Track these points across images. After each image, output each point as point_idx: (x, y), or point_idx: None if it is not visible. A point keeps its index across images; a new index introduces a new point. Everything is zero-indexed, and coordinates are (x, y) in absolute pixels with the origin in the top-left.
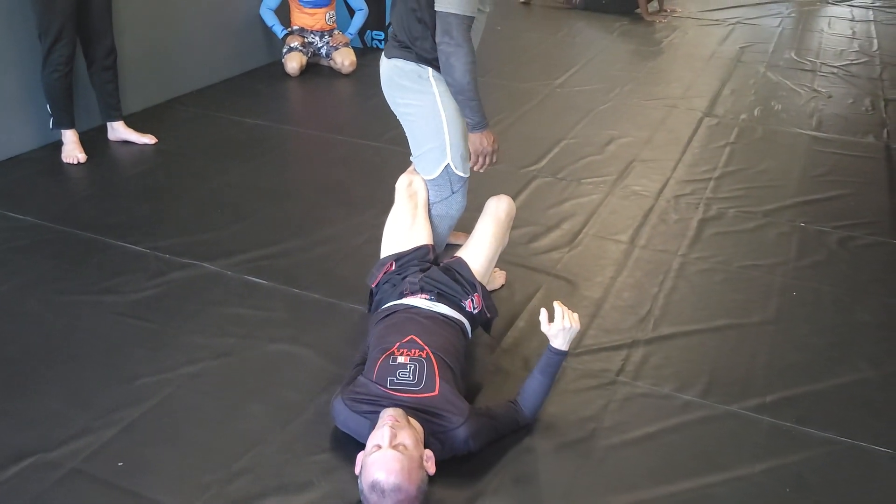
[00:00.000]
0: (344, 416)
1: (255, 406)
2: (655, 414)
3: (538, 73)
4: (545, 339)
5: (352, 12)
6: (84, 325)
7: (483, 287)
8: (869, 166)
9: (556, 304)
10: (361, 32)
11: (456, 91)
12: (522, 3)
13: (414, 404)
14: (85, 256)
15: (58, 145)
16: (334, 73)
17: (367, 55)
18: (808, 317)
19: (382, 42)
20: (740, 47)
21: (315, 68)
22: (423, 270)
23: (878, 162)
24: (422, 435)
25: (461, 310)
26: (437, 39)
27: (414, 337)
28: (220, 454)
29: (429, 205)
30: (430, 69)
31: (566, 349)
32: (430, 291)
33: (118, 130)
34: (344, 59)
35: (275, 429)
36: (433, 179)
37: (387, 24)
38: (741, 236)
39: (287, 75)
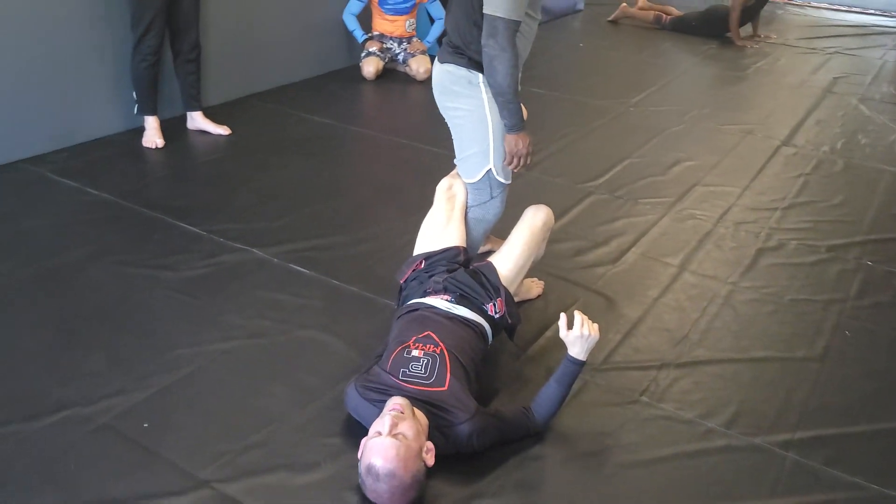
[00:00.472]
0: (355, 402)
1: (278, 387)
2: (674, 438)
3: (615, 91)
4: None
5: (433, 21)
6: (136, 296)
7: (507, 292)
8: None
9: (576, 312)
10: (440, 41)
11: (496, 93)
12: (610, 21)
13: (422, 397)
14: (148, 233)
15: (140, 130)
16: (409, 79)
17: None
18: (858, 358)
19: None
20: (834, 77)
21: (391, 73)
22: (450, 271)
23: None
24: (426, 427)
25: (483, 313)
26: (483, 42)
27: (431, 333)
28: (238, 427)
29: (466, 208)
30: (480, 75)
31: (583, 359)
32: (453, 293)
33: (196, 120)
34: (419, 66)
35: (293, 410)
36: (474, 183)
37: None
38: (799, 269)
39: (363, 79)
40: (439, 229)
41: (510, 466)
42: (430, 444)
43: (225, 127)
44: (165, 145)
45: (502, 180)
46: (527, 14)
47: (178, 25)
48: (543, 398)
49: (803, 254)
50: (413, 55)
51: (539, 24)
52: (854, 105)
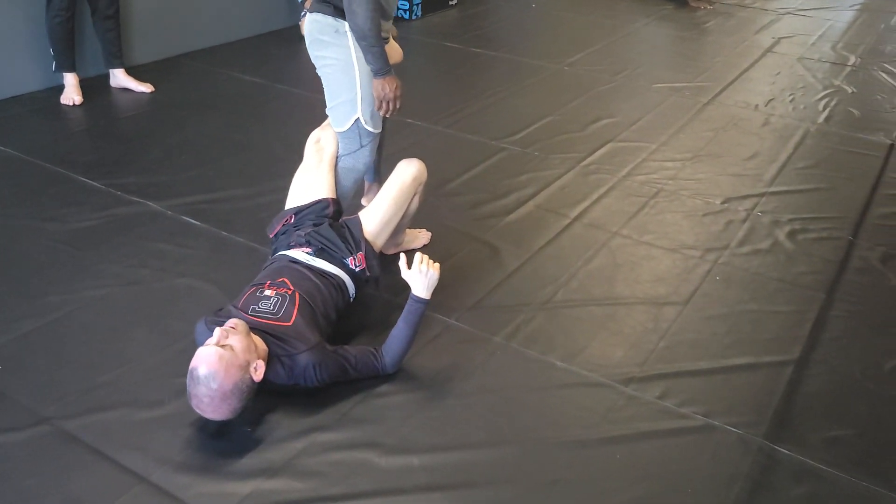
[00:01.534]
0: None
1: (140, 331)
2: (520, 375)
3: (554, 51)
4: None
5: None
6: (18, 246)
7: (369, 246)
8: (863, 163)
9: (418, 253)
10: None
11: (358, 37)
12: None
13: (265, 328)
14: (45, 187)
15: (61, 88)
16: None
17: (396, 24)
18: (720, 301)
19: (407, 12)
20: (778, 37)
21: None
22: (316, 225)
23: (875, 160)
24: (263, 351)
25: (343, 266)
26: None
27: (286, 279)
28: (91, 369)
29: (336, 158)
30: (346, 23)
31: (426, 297)
32: (314, 246)
33: (119, 78)
34: None
35: (150, 352)
36: (344, 132)
37: None
38: (687, 219)
39: (303, 38)
40: (308, 182)
41: (353, 402)
42: (260, 363)
43: (148, 85)
44: (84, 102)
45: (370, 129)
46: None
47: None
48: (391, 338)
49: (696, 206)
50: None
51: None
52: (790, 64)
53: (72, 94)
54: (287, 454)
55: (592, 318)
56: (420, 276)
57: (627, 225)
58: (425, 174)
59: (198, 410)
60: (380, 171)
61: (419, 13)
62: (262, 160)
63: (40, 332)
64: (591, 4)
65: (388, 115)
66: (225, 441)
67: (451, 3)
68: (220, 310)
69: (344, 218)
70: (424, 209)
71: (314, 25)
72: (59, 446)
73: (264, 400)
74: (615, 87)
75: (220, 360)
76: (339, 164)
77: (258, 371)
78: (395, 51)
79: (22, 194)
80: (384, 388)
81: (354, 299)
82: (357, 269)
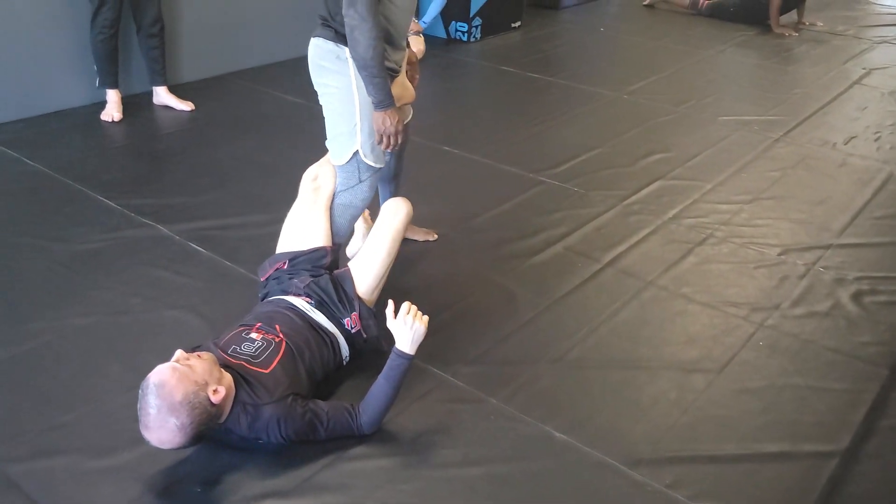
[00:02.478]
0: None
1: (115, 367)
2: (509, 442)
3: (615, 77)
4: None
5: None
6: (18, 266)
7: (363, 305)
8: None
9: (406, 303)
10: (446, 23)
11: (359, 66)
12: (646, 5)
13: (240, 370)
14: (62, 205)
15: (105, 104)
16: None
17: (451, 47)
18: (761, 369)
19: (465, 34)
20: (868, 68)
21: None
22: (314, 276)
23: None
24: (228, 386)
25: (340, 326)
26: (344, 12)
27: (278, 326)
28: (52, 406)
29: (333, 195)
30: (347, 49)
31: (411, 352)
32: (313, 298)
33: (161, 95)
34: (412, 47)
35: (118, 391)
36: (342, 166)
37: (471, 14)
38: (735, 271)
39: None
40: (303, 224)
41: (319, 465)
42: (221, 388)
43: (189, 103)
44: (124, 119)
45: (370, 163)
46: None
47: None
48: (370, 395)
49: (748, 256)
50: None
51: (571, 7)
52: (879, 99)
53: (112, 110)
54: None
55: (606, 383)
56: (405, 329)
57: (665, 274)
58: (411, 212)
59: (145, 433)
60: None
61: (478, 35)
62: (284, 185)
63: (13, 360)
64: (664, 29)
65: (389, 150)
66: (171, 501)
67: (513, 25)
68: (198, 347)
69: (336, 272)
70: (443, 245)
71: (316, 50)
72: None
73: (221, 456)
74: (676, 119)
75: (174, 372)
76: (336, 199)
77: (217, 394)
78: (406, 90)
79: (37, 212)
80: (357, 450)
81: (350, 361)
82: (353, 331)
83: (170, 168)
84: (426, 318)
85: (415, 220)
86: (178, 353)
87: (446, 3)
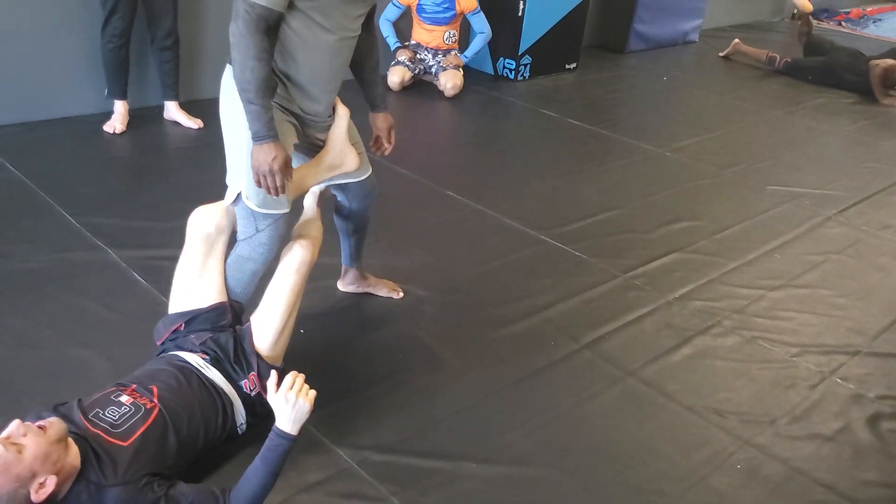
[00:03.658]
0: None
1: None
2: None
3: (663, 132)
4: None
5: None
6: None
7: (263, 364)
8: None
9: (291, 374)
10: (494, 58)
11: (238, 89)
12: (722, 56)
13: (95, 441)
14: (21, 218)
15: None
16: (437, 93)
17: (496, 84)
18: (729, 499)
19: (512, 72)
20: None
21: (421, 86)
22: (214, 332)
23: None
24: (70, 468)
25: (238, 388)
26: (230, 28)
27: (155, 388)
28: None
29: (227, 243)
30: None
31: (292, 432)
32: (209, 355)
33: (171, 110)
34: (447, 81)
35: None
36: (236, 209)
37: (520, 52)
38: (734, 371)
39: (388, 88)
40: (196, 281)
41: None
42: (51, 480)
43: (198, 120)
44: (127, 132)
45: (257, 208)
46: (314, 22)
47: (153, 10)
48: (244, 479)
49: (754, 353)
50: (445, 69)
51: (639, 52)
52: None
53: (116, 121)
54: None
55: (533, 494)
56: (285, 406)
57: (650, 366)
58: (316, 251)
59: None
60: (359, 255)
61: (526, 74)
62: None
63: None
64: (733, 83)
65: (272, 194)
66: None
67: (568, 66)
68: (63, 404)
69: (238, 327)
70: (408, 303)
71: (225, 76)
72: None
73: None
74: (717, 184)
75: None
76: (236, 250)
77: (42, 489)
78: (340, 155)
79: None
80: None
81: (248, 431)
82: (252, 394)
83: (149, 187)
84: (313, 393)
85: (389, 272)
86: (14, 424)
87: (491, 39)
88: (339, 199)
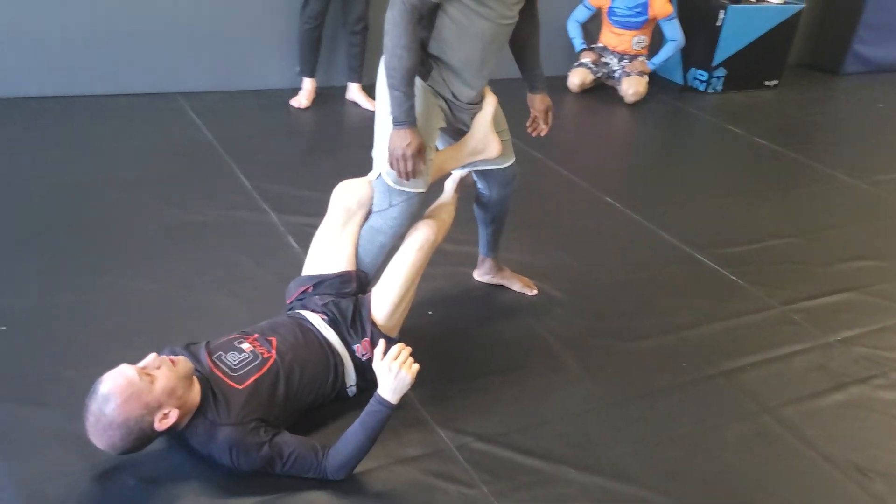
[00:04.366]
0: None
1: (143, 337)
2: None
3: (866, 162)
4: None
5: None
6: (130, 221)
7: (377, 332)
8: None
9: (398, 345)
10: (685, 68)
11: (385, 74)
12: None
13: (214, 381)
14: (203, 175)
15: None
16: (617, 98)
17: (683, 94)
18: None
19: (703, 84)
20: None
21: (602, 90)
22: (337, 297)
23: None
24: (190, 404)
25: (350, 351)
26: (386, 16)
27: (274, 339)
28: (66, 359)
29: (364, 221)
30: None
31: (391, 400)
32: (328, 316)
33: (352, 91)
34: (629, 87)
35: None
36: (375, 184)
37: (714, 64)
38: (884, 426)
39: (567, 89)
40: (330, 247)
41: (260, 498)
42: (173, 413)
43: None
44: (311, 108)
45: (395, 186)
46: (471, 10)
47: None
48: (342, 439)
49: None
50: (629, 74)
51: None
52: None
53: (302, 97)
54: None
55: None
56: (388, 374)
57: (793, 406)
58: (440, 235)
59: (85, 421)
60: (496, 245)
61: (719, 87)
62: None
63: (65, 306)
64: None
65: (403, 177)
66: (105, 485)
67: (767, 83)
68: (195, 344)
69: (360, 296)
70: (539, 301)
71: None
72: None
73: (172, 456)
74: None
75: (128, 388)
76: (369, 221)
77: (165, 420)
78: (482, 141)
79: (180, 176)
80: (311, 494)
81: (358, 395)
82: (363, 358)
83: (319, 160)
84: (416, 366)
85: (526, 269)
86: (151, 357)
87: (684, 47)
88: (479, 186)
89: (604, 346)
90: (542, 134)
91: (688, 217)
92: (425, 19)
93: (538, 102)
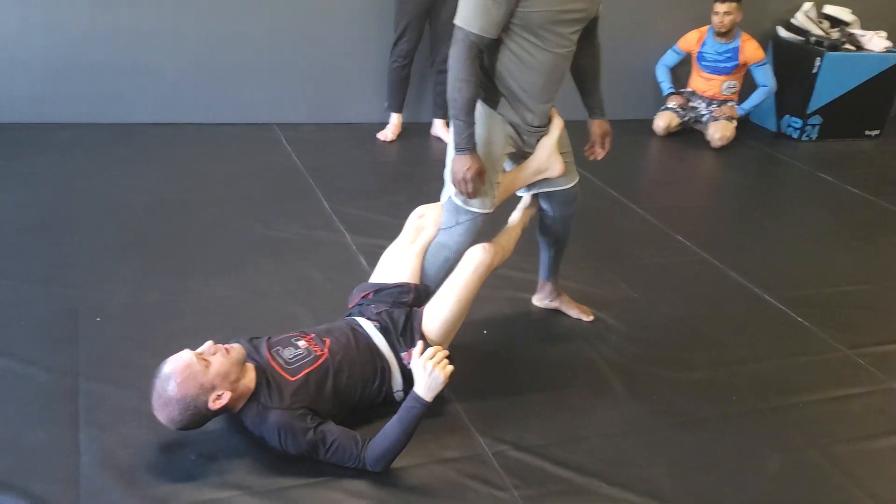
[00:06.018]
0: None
1: (216, 336)
2: None
3: None
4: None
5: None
6: (195, 239)
7: (426, 344)
8: None
9: (433, 347)
10: (779, 114)
11: (448, 104)
12: None
13: (269, 372)
14: (288, 196)
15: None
16: (704, 143)
17: (776, 141)
18: None
19: (797, 131)
20: None
21: (688, 133)
22: (392, 307)
23: None
24: (244, 388)
25: (398, 358)
26: (449, 51)
27: (328, 340)
28: (150, 350)
29: (430, 242)
30: None
31: (426, 398)
32: (380, 324)
33: (436, 127)
34: (716, 132)
35: None
36: (446, 205)
37: (809, 111)
38: None
39: (652, 132)
40: (396, 260)
41: (304, 480)
42: (226, 394)
43: None
44: (395, 141)
45: (463, 206)
46: (529, 42)
47: (437, 37)
48: (381, 433)
49: None
50: (717, 119)
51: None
52: None
53: (388, 131)
54: (194, 498)
55: None
56: (422, 373)
57: (845, 446)
58: (498, 259)
59: (151, 398)
60: (556, 269)
61: (813, 135)
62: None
63: (155, 304)
64: None
65: (467, 197)
66: (165, 457)
67: (868, 133)
68: (257, 338)
69: (415, 308)
70: (594, 329)
71: None
72: None
73: (232, 437)
74: None
75: (186, 369)
76: (436, 237)
77: (218, 400)
78: (546, 161)
79: (267, 196)
80: (351, 483)
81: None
82: (408, 366)
83: (398, 189)
84: (450, 368)
85: (586, 297)
86: (208, 344)
87: (778, 94)
88: (542, 207)
89: (653, 373)
90: (598, 158)
91: (761, 259)
92: (487, 53)
93: (596, 127)
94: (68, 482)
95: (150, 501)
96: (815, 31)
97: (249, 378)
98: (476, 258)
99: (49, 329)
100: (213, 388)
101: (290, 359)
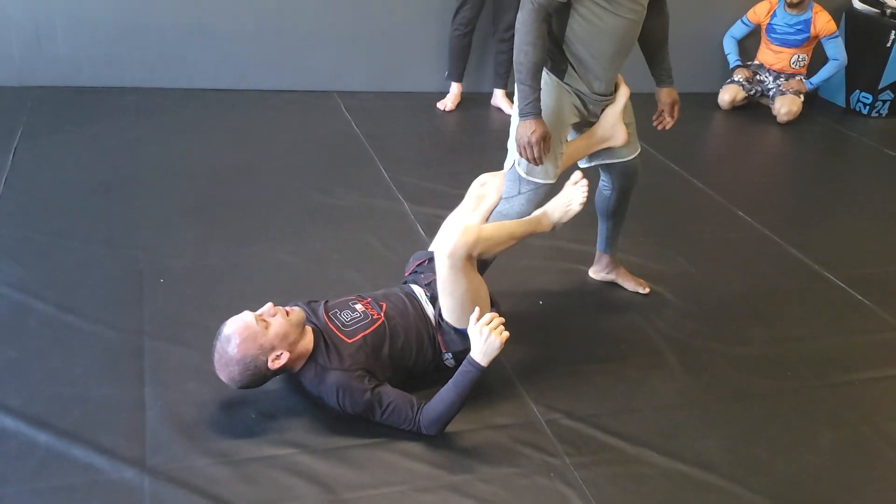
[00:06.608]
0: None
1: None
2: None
3: None
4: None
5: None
6: (280, 202)
7: (444, 324)
8: None
9: (491, 313)
10: (848, 90)
11: (514, 69)
12: None
13: (327, 333)
14: (348, 165)
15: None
16: (771, 117)
17: (845, 117)
18: None
19: (867, 107)
20: None
21: (754, 108)
22: None
23: None
24: (303, 349)
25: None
26: (517, 16)
27: (384, 304)
28: (210, 310)
29: (491, 211)
30: None
31: (482, 363)
32: (431, 292)
33: (497, 97)
34: (783, 106)
35: None
36: (507, 173)
37: (880, 86)
38: None
39: (717, 105)
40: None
41: (361, 441)
42: (285, 354)
43: None
44: (455, 111)
45: (524, 174)
46: (600, 7)
47: (500, 5)
48: (436, 397)
49: None
50: (784, 93)
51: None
52: None
53: (448, 101)
54: (254, 454)
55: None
56: (479, 338)
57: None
58: (465, 240)
59: (213, 357)
60: (614, 241)
61: (884, 111)
62: None
63: (217, 268)
64: None
65: (530, 163)
66: (227, 414)
67: None
68: (316, 301)
69: None
70: (649, 301)
71: None
72: None
73: (291, 397)
74: None
75: (245, 330)
76: (497, 206)
77: (278, 360)
78: (610, 129)
79: (328, 165)
80: (406, 445)
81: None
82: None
83: (457, 159)
84: (505, 334)
85: (643, 271)
86: (267, 306)
87: (850, 69)
88: (602, 179)
89: (708, 348)
90: (668, 127)
91: (823, 237)
92: (556, 18)
93: (665, 96)
94: (135, 435)
95: (212, 455)
96: (892, 2)
97: (308, 339)
98: (452, 239)
99: (115, 289)
100: (272, 349)
101: (347, 321)
